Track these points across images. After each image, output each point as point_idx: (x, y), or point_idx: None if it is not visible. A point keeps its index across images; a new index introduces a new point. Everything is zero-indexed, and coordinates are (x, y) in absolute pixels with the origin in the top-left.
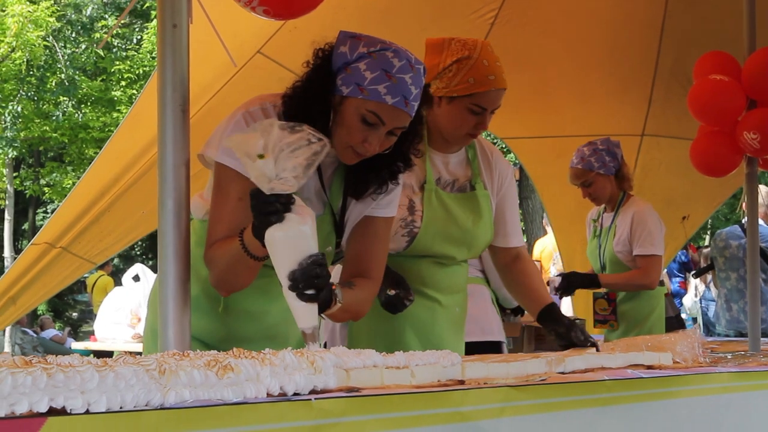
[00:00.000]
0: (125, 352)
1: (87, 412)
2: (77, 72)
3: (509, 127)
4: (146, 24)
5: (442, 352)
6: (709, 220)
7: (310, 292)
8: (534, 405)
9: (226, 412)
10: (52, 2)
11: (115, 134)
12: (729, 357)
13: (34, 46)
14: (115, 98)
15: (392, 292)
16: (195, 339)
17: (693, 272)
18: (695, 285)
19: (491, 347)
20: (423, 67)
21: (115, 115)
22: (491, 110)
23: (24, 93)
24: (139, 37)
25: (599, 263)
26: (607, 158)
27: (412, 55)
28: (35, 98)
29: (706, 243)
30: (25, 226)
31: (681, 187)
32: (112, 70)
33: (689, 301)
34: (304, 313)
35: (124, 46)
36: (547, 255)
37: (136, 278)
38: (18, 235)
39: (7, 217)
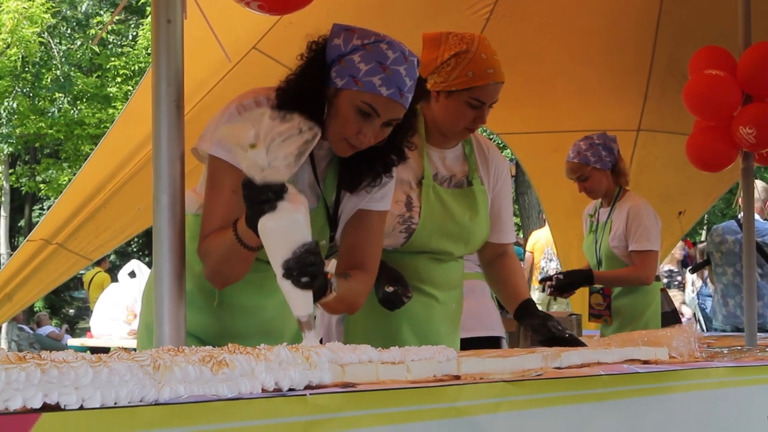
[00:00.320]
0: (120, 347)
1: (81, 407)
2: (73, 68)
3: (505, 123)
4: (141, 20)
5: (437, 348)
6: (706, 216)
7: (304, 279)
8: (530, 400)
9: (220, 407)
10: None
11: (111, 130)
12: (725, 352)
13: (30, 42)
14: (111, 95)
15: (390, 289)
16: (189, 335)
17: (689, 268)
18: (692, 280)
19: (491, 342)
20: (416, 59)
21: (110, 111)
22: (489, 104)
23: (19, 89)
24: (134, 33)
25: (595, 258)
26: (604, 153)
27: (405, 47)
28: (31, 95)
29: (703, 238)
30: (21, 222)
31: (677, 182)
32: (108, 66)
33: (686, 296)
34: (300, 301)
35: (119, 43)
36: (539, 248)
37: (132, 274)
38: (14, 232)
39: (3, 213)
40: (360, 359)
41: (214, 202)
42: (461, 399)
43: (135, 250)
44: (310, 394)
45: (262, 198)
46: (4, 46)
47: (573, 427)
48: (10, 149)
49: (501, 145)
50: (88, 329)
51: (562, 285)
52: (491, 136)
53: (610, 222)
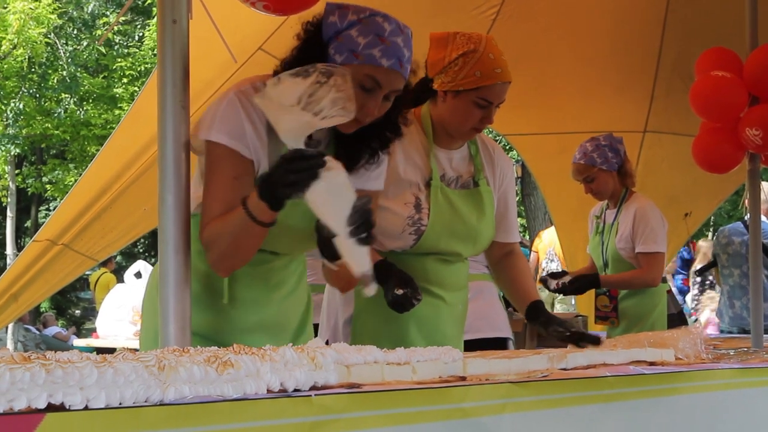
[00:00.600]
0: (126, 348)
1: (86, 408)
2: (79, 69)
3: (511, 124)
4: (148, 21)
5: (443, 349)
6: (712, 217)
7: (365, 235)
8: (536, 401)
9: (225, 408)
10: None
11: (117, 131)
12: (731, 353)
13: (36, 43)
14: (117, 95)
15: (400, 292)
16: (195, 335)
17: (695, 270)
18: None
19: (498, 344)
20: (410, 31)
21: (117, 112)
22: (497, 104)
23: (26, 90)
24: (140, 33)
25: (602, 260)
26: (610, 154)
27: (399, 20)
28: (37, 95)
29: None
30: (28, 223)
31: (683, 184)
32: (114, 67)
33: (692, 298)
34: (361, 258)
35: (125, 43)
36: (542, 248)
37: (138, 275)
38: (20, 233)
39: (9, 214)
40: (365, 360)
41: (214, 188)
42: (467, 400)
43: (141, 250)
44: (315, 394)
45: (311, 163)
46: (11, 46)
47: (579, 429)
48: (17, 150)
49: (507, 147)
50: (94, 330)
51: (569, 291)
52: (497, 138)
53: (617, 224)
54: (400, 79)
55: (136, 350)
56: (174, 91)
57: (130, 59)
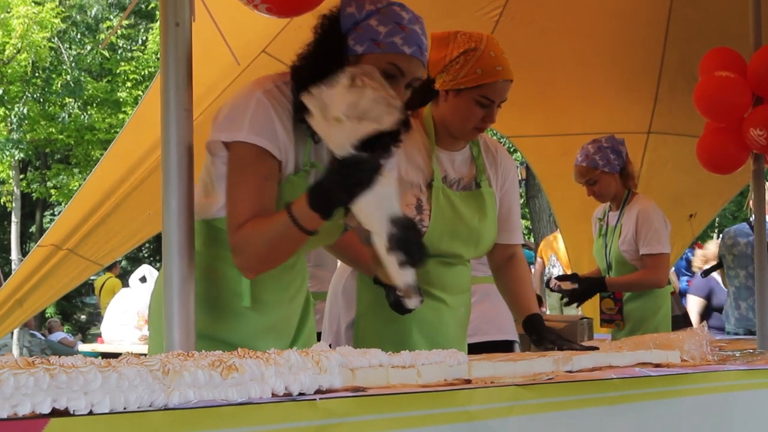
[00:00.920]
0: (131, 352)
1: (90, 413)
2: (83, 73)
3: (515, 126)
4: (151, 24)
5: (448, 352)
6: (717, 218)
7: (407, 258)
8: (541, 404)
9: (230, 412)
10: (57, 3)
11: (120, 135)
12: (737, 355)
13: (40, 47)
14: (121, 99)
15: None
16: (220, 341)
17: (701, 271)
18: None
19: (504, 346)
20: (423, 21)
21: (120, 116)
22: (498, 102)
23: (30, 95)
24: (144, 37)
25: (605, 262)
26: (612, 156)
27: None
28: (41, 100)
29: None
30: (32, 228)
31: (687, 185)
32: (118, 71)
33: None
34: (400, 271)
35: (129, 47)
36: (546, 254)
37: (143, 280)
38: (25, 238)
39: (14, 219)
40: (370, 363)
41: (246, 189)
42: (473, 403)
43: (146, 255)
44: (320, 398)
45: (370, 168)
46: (15, 51)
47: (585, 431)
48: (21, 155)
49: (511, 149)
50: (99, 335)
51: (578, 295)
52: (501, 139)
53: (620, 226)
54: (421, 67)
55: (140, 355)
56: (177, 94)
57: (134, 63)
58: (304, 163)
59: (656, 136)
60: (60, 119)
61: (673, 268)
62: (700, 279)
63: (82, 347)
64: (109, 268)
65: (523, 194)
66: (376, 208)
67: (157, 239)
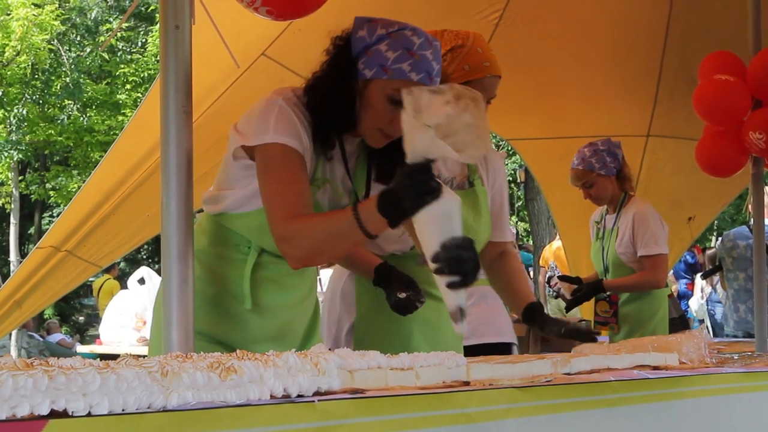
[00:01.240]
0: (129, 354)
1: (89, 414)
2: (82, 75)
3: (514, 128)
4: (151, 27)
5: (446, 354)
6: (716, 221)
7: (456, 279)
8: (540, 406)
9: (229, 414)
10: (57, 6)
11: (120, 137)
12: (735, 357)
13: (39, 49)
14: (120, 101)
15: (403, 295)
16: (217, 342)
17: (700, 273)
18: (701, 287)
19: (502, 348)
20: (439, 44)
21: (120, 118)
22: (488, 99)
23: (29, 96)
24: (143, 40)
25: (602, 265)
26: (608, 159)
27: (428, 33)
28: (40, 102)
29: (712, 244)
30: (31, 230)
31: (687, 188)
32: (117, 73)
33: (696, 303)
34: (450, 292)
35: (128, 50)
36: (545, 262)
37: (142, 281)
38: (24, 239)
39: (13, 221)
40: (369, 365)
41: (288, 183)
42: (471, 405)
43: (144, 257)
44: (318, 400)
45: (432, 184)
46: (14, 53)
47: None
48: (20, 156)
49: (510, 151)
50: (97, 336)
51: (577, 302)
52: (500, 142)
53: (617, 229)
54: None
55: (139, 356)
56: (177, 96)
57: (133, 65)
58: (316, 178)
59: (655, 139)
60: (59, 121)
61: (671, 271)
62: None
63: (81, 349)
64: (107, 270)
65: (522, 197)
66: (435, 223)
67: (156, 241)
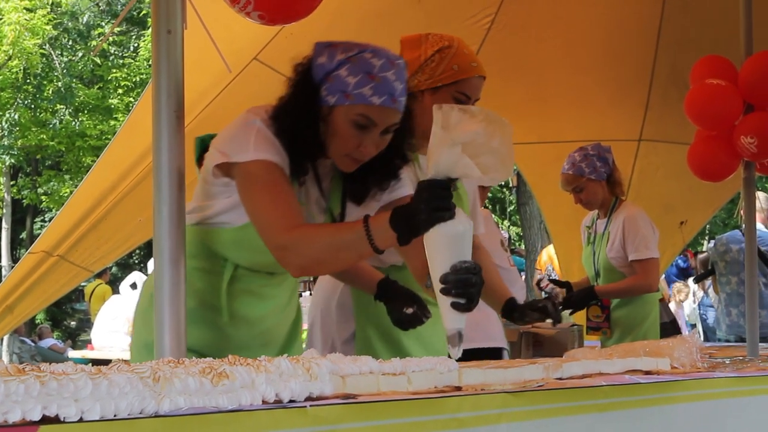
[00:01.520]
0: (121, 359)
1: (80, 420)
2: (74, 80)
3: None
4: (143, 31)
5: (438, 359)
6: (708, 226)
7: (462, 301)
8: (531, 411)
9: (221, 419)
10: (49, 10)
11: (112, 142)
12: (727, 362)
13: (31, 54)
14: (112, 106)
15: (410, 310)
16: (191, 351)
17: (693, 277)
18: (693, 291)
19: (493, 353)
20: (403, 62)
21: (112, 123)
22: (474, 100)
23: (21, 101)
24: (135, 44)
25: (593, 270)
26: (598, 163)
27: (390, 51)
28: (32, 106)
29: (704, 248)
30: (23, 234)
31: (679, 192)
32: (109, 77)
33: (688, 307)
34: (452, 315)
35: (120, 54)
36: (543, 265)
37: (134, 286)
38: (15, 244)
39: (5, 225)
40: (360, 370)
41: (281, 195)
42: (462, 410)
43: (136, 261)
44: (310, 405)
45: (447, 203)
46: (6, 57)
47: None
48: (12, 161)
49: None
50: (89, 341)
51: (571, 304)
52: None
53: (607, 233)
54: (394, 114)
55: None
56: (169, 101)
57: (126, 70)
58: None
59: (647, 144)
60: (51, 126)
61: (663, 276)
62: None
63: (72, 354)
64: (99, 275)
65: (514, 201)
66: (448, 244)
67: (148, 246)
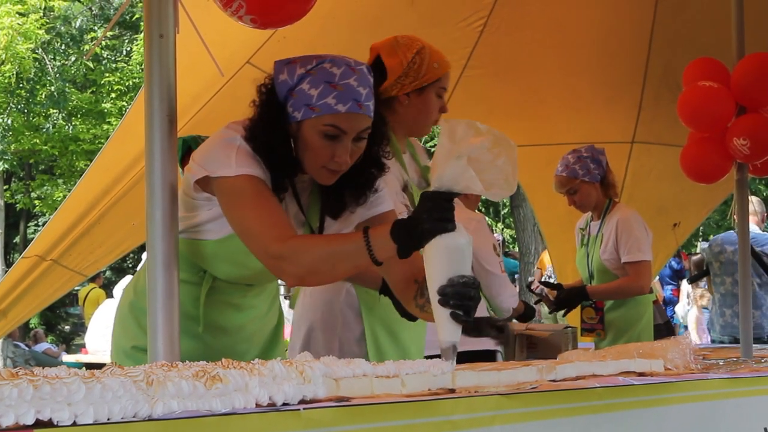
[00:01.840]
0: (114, 363)
1: (74, 424)
2: (67, 84)
3: None
4: (135, 36)
5: (432, 361)
6: (701, 227)
7: (461, 313)
8: (525, 413)
9: (214, 422)
10: (42, 14)
11: (106, 146)
12: (721, 363)
13: (24, 58)
14: (105, 110)
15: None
16: None
17: (687, 278)
18: (687, 292)
19: (486, 356)
20: (365, 67)
21: (105, 127)
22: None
23: (14, 106)
24: (128, 48)
25: (587, 272)
26: (592, 165)
27: (349, 59)
28: (25, 111)
29: (698, 250)
30: (17, 239)
31: (672, 194)
32: (102, 82)
33: (681, 309)
34: (447, 328)
35: (113, 58)
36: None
37: None
38: (9, 249)
39: None
40: (354, 373)
41: (273, 208)
42: (456, 413)
43: (130, 265)
44: (303, 408)
45: (448, 215)
46: None
47: None
48: (5, 165)
49: None
50: (83, 345)
51: (561, 304)
52: None
53: (601, 235)
54: (362, 119)
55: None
56: (161, 105)
57: (119, 74)
58: None
59: (640, 146)
60: (44, 130)
61: (657, 277)
62: None
63: (66, 358)
64: (93, 279)
65: (507, 204)
66: (447, 256)
67: (142, 250)
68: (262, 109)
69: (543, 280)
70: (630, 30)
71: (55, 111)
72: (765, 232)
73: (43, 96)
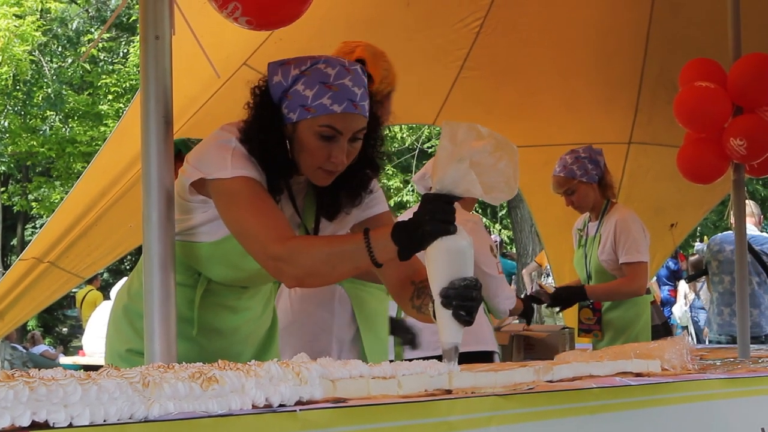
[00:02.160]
0: (111, 365)
1: (70, 425)
2: (64, 86)
3: None
4: (132, 37)
5: (429, 362)
6: (698, 228)
7: (463, 314)
8: (522, 414)
9: (210, 424)
10: (38, 17)
11: (103, 148)
12: (718, 364)
13: (21, 60)
14: (102, 112)
15: None
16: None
17: (685, 277)
18: (684, 293)
19: (483, 357)
20: (359, 67)
21: (102, 129)
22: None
23: (11, 108)
24: (125, 50)
25: (585, 273)
26: (590, 166)
27: (343, 59)
28: (22, 113)
29: (695, 251)
30: (14, 241)
31: (669, 195)
32: (99, 84)
33: (679, 309)
34: (450, 329)
35: (110, 60)
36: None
37: None
38: (6, 251)
39: None
40: (350, 374)
41: (270, 210)
42: (453, 413)
43: (128, 267)
44: (300, 409)
45: (450, 217)
46: None
47: None
48: (2, 168)
49: None
50: (80, 347)
51: (559, 301)
52: None
53: (599, 236)
54: (358, 119)
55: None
56: (157, 107)
57: (115, 76)
58: None
59: (637, 146)
60: (41, 132)
61: (654, 278)
62: None
63: (64, 360)
64: (90, 281)
65: (505, 205)
66: (449, 258)
67: (139, 252)
68: (256, 111)
69: (537, 284)
70: (627, 31)
71: (52, 113)
72: (762, 233)
73: (40, 98)
